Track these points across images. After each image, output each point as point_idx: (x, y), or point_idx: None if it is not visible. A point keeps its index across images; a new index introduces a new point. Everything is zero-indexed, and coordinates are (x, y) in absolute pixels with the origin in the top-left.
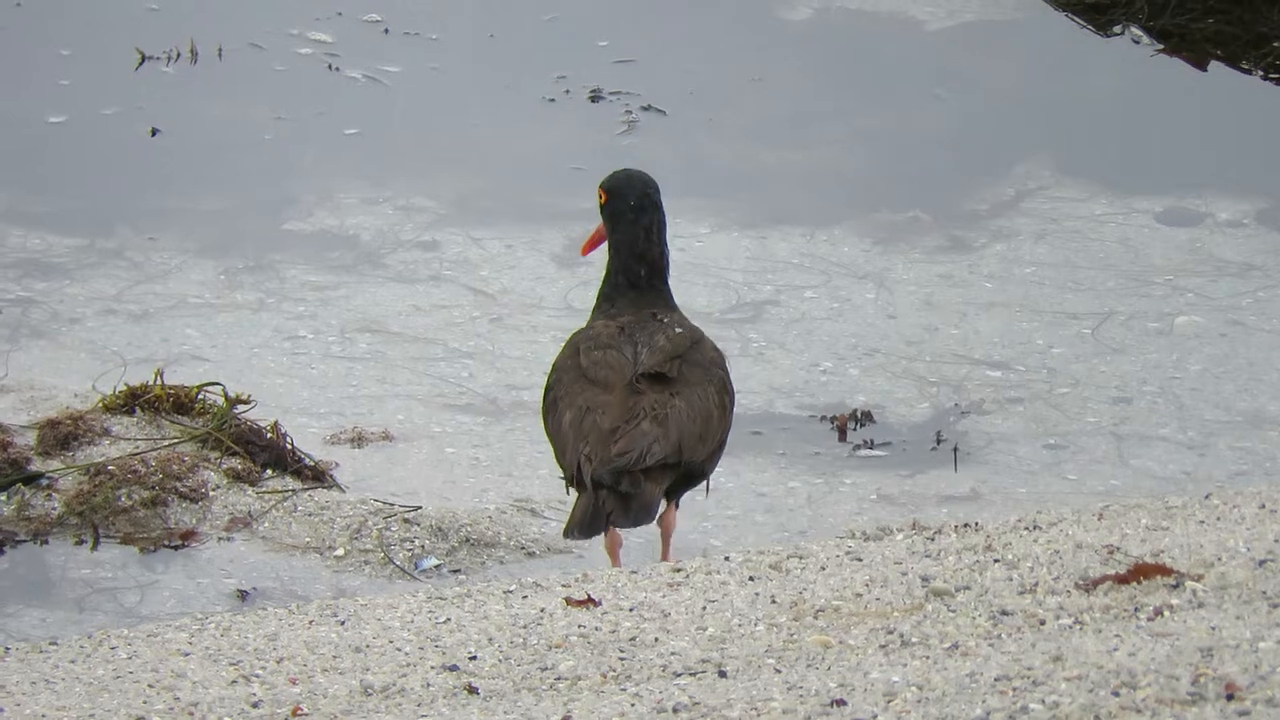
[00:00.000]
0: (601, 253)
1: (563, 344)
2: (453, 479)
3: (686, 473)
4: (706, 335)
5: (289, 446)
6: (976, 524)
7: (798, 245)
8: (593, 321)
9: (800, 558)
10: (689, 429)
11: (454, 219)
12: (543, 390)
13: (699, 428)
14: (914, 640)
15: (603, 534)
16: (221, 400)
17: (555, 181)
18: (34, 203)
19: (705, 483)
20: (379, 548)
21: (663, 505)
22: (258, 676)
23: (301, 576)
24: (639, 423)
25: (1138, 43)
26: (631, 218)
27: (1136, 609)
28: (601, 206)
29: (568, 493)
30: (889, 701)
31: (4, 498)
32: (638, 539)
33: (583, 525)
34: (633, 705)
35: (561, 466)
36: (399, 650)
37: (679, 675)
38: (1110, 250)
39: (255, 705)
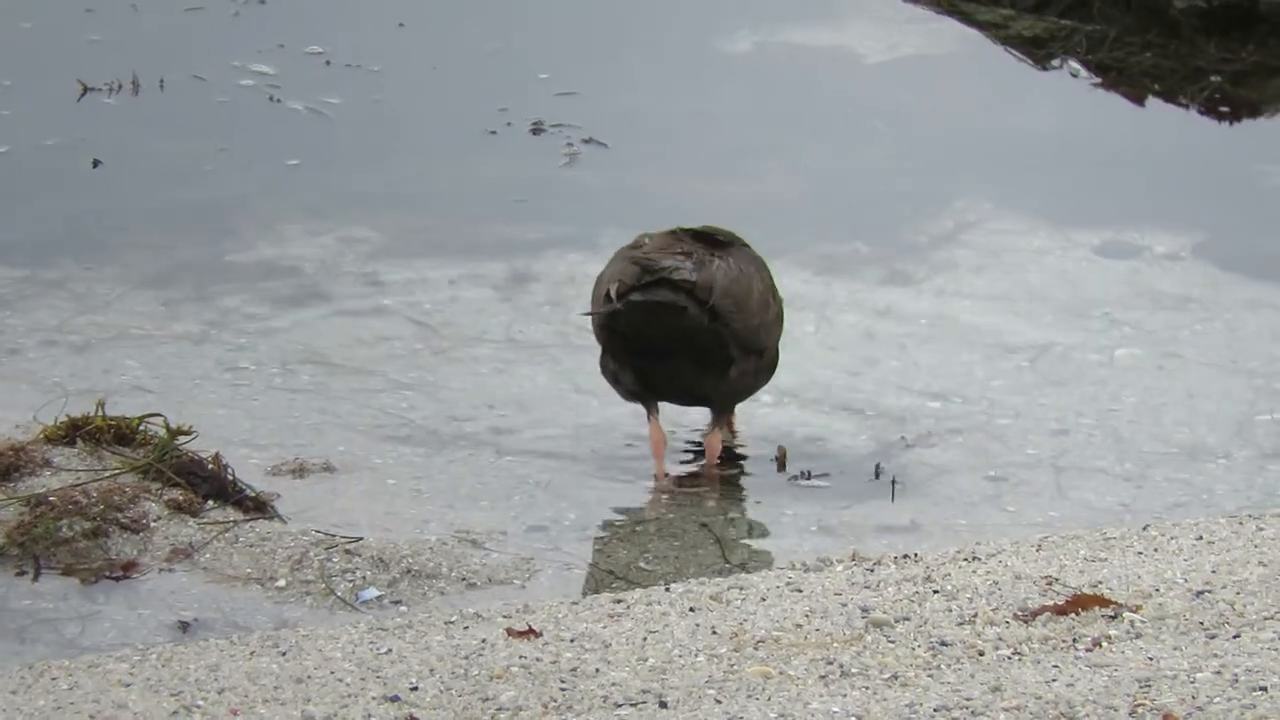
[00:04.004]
0: (541, 286)
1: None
2: (394, 510)
3: (717, 338)
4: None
5: (230, 477)
6: (916, 555)
7: None
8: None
9: (740, 589)
10: (723, 282)
11: (396, 250)
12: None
13: (738, 290)
14: (854, 671)
15: (648, 419)
16: (163, 431)
17: (497, 213)
18: None
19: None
20: (320, 579)
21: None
22: (199, 707)
23: (243, 607)
24: (675, 254)
25: (1076, 76)
26: None
27: (1075, 640)
28: None
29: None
30: None
31: None
32: (580, 570)
33: (595, 301)
34: None
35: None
36: (340, 681)
37: (620, 706)
38: (1049, 283)
39: None
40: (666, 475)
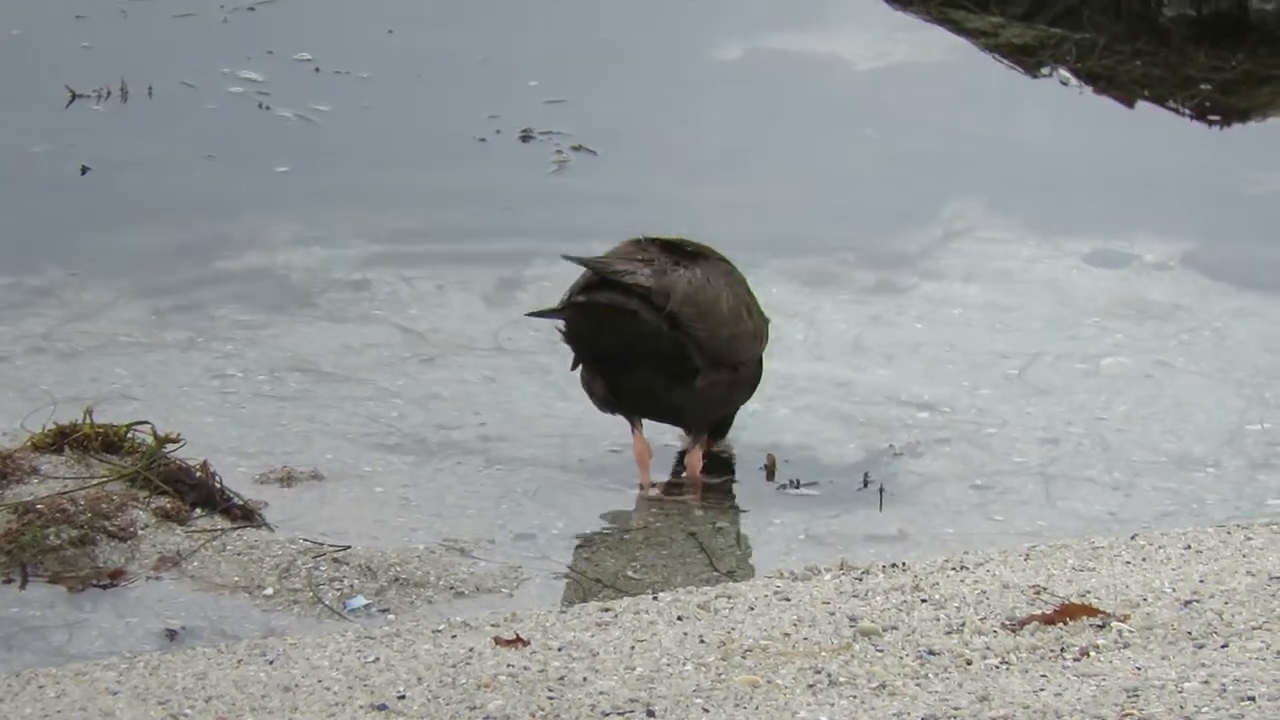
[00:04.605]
0: (529, 294)
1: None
2: (382, 518)
3: (679, 347)
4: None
5: (218, 485)
6: (904, 564)
7: None
8: None
9: (728, 597)
10: (685, 289)
11: (384, 258)
12: None
13: (703, 299)
14: (841, 680)
15: (631, 432)
16: (150, 439)
17: (486, 221)
18: None
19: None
20: (308, 587)
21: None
22: (186, 716)
23: (230, 616)
24: (634, 260)
25: (1065, 84)
26: None
27: (1063, 649)
28: None
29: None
30: None
31: None
32: (568, 579)
33: (554, 303)
34: None
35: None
36: (328, 690)
37: (607, 715)
38: (1038, 291)
39: None
40: (653, 485)
